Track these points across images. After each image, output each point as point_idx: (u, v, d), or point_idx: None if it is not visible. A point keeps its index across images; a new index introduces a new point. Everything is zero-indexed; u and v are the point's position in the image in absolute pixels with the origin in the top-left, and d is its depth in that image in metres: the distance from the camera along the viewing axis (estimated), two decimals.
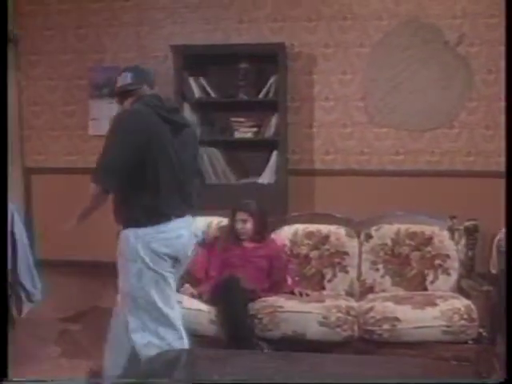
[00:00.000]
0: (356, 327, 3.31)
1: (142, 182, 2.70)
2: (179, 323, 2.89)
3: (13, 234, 3.91)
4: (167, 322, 2.82)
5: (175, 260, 2.86)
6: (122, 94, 2.87)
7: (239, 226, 3.73)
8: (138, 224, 2.74)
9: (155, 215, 2.74)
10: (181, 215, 2.84)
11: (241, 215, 3.74)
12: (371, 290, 3.70)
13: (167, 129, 2.75)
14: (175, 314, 2.88)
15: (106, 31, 5.33)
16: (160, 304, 2.80)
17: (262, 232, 3.79)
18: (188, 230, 2.91)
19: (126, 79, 2.87)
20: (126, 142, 2.66)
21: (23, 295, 3.87)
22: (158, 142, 2.70)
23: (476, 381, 2.72)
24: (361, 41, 4.99)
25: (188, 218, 2.91)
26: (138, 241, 2.74)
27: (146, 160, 2.68)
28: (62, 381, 3.34)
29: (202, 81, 5.01)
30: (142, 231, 2.74)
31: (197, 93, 4.99)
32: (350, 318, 3.32)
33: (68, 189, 5.13)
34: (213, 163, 5.03)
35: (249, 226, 3.73)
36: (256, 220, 3.75)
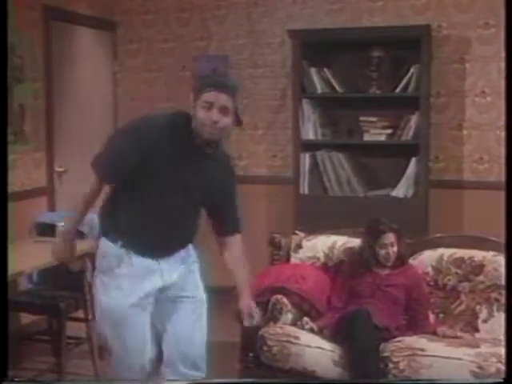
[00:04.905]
0: None
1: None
2: None
3: None
4: None
5: None
6: None
7: (389, 250, 3.67)
8: None
9: None
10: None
11: (389, 238, 3.67)
12: None
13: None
14: None
15: (212, 14, 5.51)
16: None
17: (403, 256, 3.74)
18: None
19: None
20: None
21: None
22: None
23: (476, 381, 3.02)
24: None
25: None
26: None
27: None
28: (62, 381, 3.61)
29: (326, 72, 5.02)
30: None
31: (319, 87, 5.01)
32: None
33: None
34: (336, 171, 5.03)
35: (395, 249, 3.70)
36: (399, 241, 3.70)
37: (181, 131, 2.73)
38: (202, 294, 2.99)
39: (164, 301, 2.88)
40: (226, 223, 2.95)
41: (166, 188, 2.73)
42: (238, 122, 2.78)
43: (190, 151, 2.74)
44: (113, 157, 2.75)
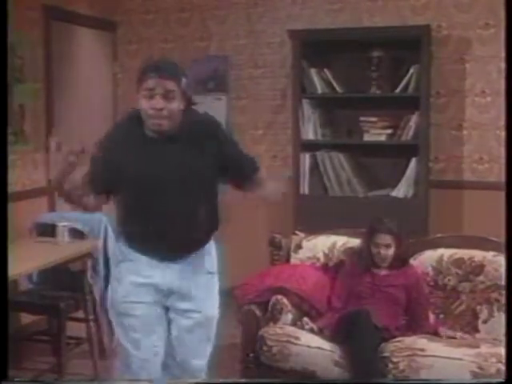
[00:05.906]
0: None
1: None
2: None
3: (105, 249, 4.10)
4: None
5: None
6: None
7: (382, 251, 3.68)
8: None
9: None
10: None
11: (384, 239, 3.69)
12: None
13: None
14: None
15: (212, 14, 5.49)
16: None
17: (403, 257, 3.74)
18: None
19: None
20: None
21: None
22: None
23: (476, 381, 3.07)
24: None
25: None
26: None
27: None
28: (62, 381, 3.62)
29: (326, 72, 5.02)
30: None
31: (319, 87, 5.00)
32: None
33: None
34: (336, 171, 5.02)
35: (391, 251, 3.69)
36: (398, 243, 3.71)
37: (134, 130, 2.68)
38: (209, 309, 2.88)
39: (170, 312, 2.85)
40: (242, 180, 2.84)
41: (147, 188, 2.67)
42: (190, 104, 2.67)
43: (149, 144, 2.66)
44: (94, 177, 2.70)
